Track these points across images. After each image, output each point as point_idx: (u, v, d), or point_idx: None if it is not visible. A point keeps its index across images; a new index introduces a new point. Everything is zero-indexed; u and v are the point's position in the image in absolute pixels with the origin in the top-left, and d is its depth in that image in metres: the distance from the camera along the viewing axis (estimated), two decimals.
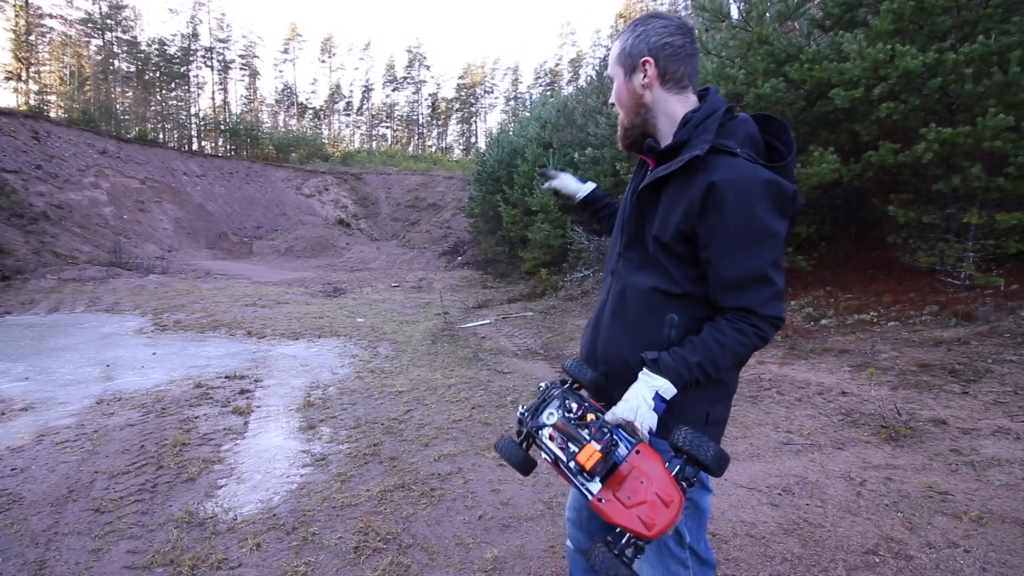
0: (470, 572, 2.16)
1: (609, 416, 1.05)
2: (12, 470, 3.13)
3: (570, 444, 1.04)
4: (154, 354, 6.30)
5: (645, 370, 1.07)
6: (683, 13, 30.73)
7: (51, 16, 36.56)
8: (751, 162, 1.06)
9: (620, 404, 1.05)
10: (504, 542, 2.37)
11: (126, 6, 39.96)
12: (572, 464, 1.02)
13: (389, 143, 56.11)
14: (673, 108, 1.17)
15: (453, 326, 8.49)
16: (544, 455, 1.11)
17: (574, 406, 1.11)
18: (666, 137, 1.18)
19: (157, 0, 71.08)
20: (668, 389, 1.05)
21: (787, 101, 7.66)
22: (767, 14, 7.93)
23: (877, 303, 6.61)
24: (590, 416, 1.07)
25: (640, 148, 1.24)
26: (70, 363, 5.85)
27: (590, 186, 1.65)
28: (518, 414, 1.19)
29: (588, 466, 0.98)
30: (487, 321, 9.01)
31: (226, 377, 5.24)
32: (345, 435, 3.70)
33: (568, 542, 1.50)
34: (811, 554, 2.19)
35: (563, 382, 1.21)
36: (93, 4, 38.35)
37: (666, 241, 1.10)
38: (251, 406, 4.37)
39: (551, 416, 1.11)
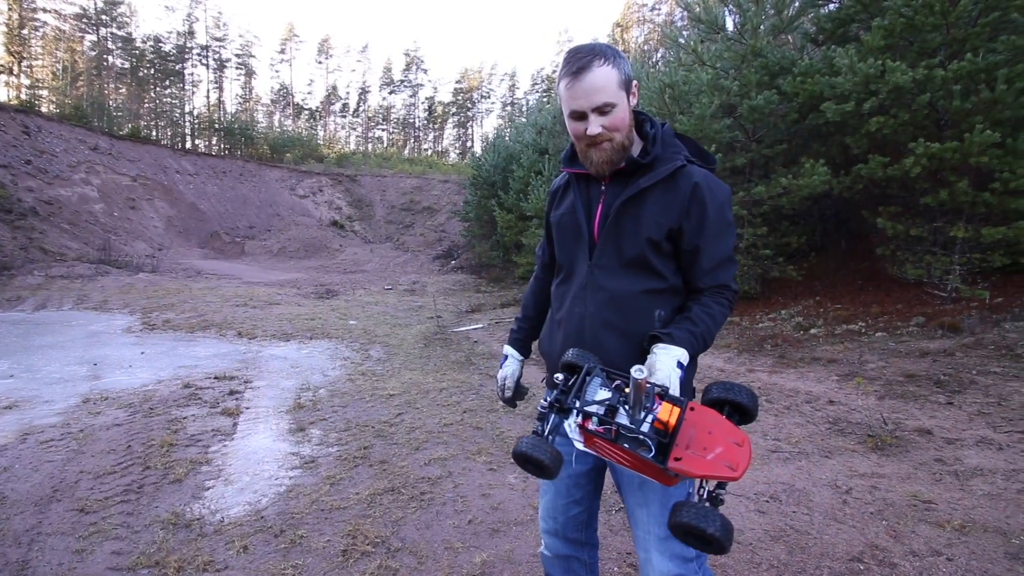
0: None
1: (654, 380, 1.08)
2: None
3: (631, 411, 1.01)
4: (142, 353, 6.24)
5: (662, 344, 1.15)
6: (679, 24, 31.02)
7: (45, 10, 36.34)
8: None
9: (657, 372, 1.09)
10: (493, 547, 2.37)
11: (121, 2, 39.82)
12: (645, 429, 0.98)
13: (385, 146, 56.11)
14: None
15: (446, 330, 8.48)
16: (577, 439, 1.05)
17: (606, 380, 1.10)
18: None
19: None
20: (685, 357, 1.15)
21: (780, 113, 7.76)
22: (761, 27, 8.05)
23: (865, 314, 6.69)
24: (627, 389, 1.05)
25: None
26: (56, 361, 5.78)
27: (518, 360, 1.57)
28: (544, 406, 1.11)
29: (672, 422, 0.96)
30: (480, 325, 9.01)
31: (215, 378, 5.20)
32: (335, 438, 3.69)
33: (543, 550, 1.49)
34: (797, 561, 2.21)
35: (572, 367, 1.14)
36: None
37: (658, 240, 1.22)
38: (240, 407, 4.34)
39: (602, 392, 1.05)
